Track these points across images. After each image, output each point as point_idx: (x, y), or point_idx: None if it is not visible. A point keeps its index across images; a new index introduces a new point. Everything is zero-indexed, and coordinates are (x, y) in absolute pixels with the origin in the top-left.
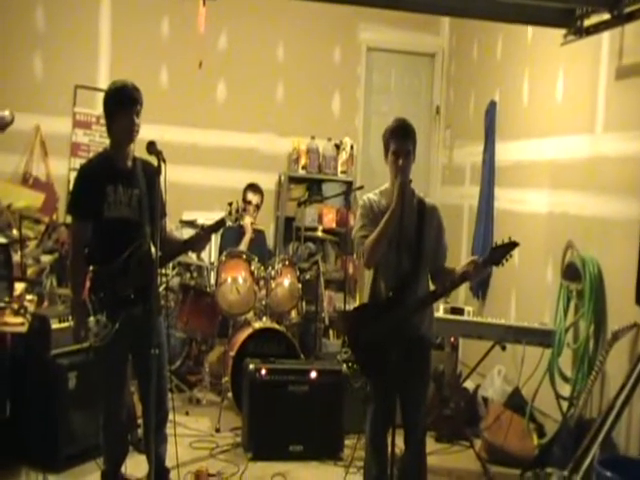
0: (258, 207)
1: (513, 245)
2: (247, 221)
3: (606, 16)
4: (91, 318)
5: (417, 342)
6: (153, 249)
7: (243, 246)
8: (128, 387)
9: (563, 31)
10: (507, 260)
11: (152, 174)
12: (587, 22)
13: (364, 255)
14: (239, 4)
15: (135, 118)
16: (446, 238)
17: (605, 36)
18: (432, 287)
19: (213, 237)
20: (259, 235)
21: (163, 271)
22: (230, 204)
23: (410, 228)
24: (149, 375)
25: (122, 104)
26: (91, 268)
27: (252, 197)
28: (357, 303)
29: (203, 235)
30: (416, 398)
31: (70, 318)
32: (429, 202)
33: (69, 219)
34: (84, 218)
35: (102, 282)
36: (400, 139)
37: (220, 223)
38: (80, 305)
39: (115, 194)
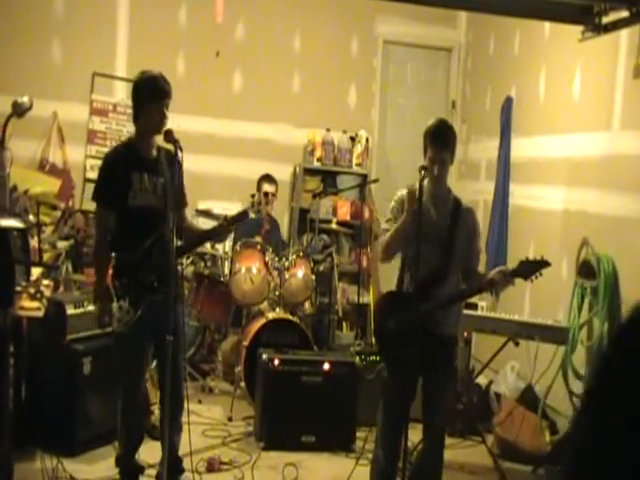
0: (274, 195)
1: (544, 264)
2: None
3: (625, 13)
4: (114, 304)
5: (439, 338)
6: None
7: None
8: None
9: (581, 27)
10: (537, 277)
11: (174, 164)
12: (605, 19)
13: (382, 248)
14: None
15: (165, 110)
16: (481, 242)
17: (623, 33)
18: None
19: None
20: (274, 225)
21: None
22: (253, 196)
23: (442, 226)
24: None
25: (154, 96)
26: (114, 254)
27: (268, 187)
28: (370, 296)
29: (225, 226)
30: (437, 394)
31: (87, 303)
32: (465, 204)
33: (86, 206)
34: (109, 205)
35: (125, 269)
36: (438, 147)
37: (243, 215)
38: (104, 290)
39: (141, 182)
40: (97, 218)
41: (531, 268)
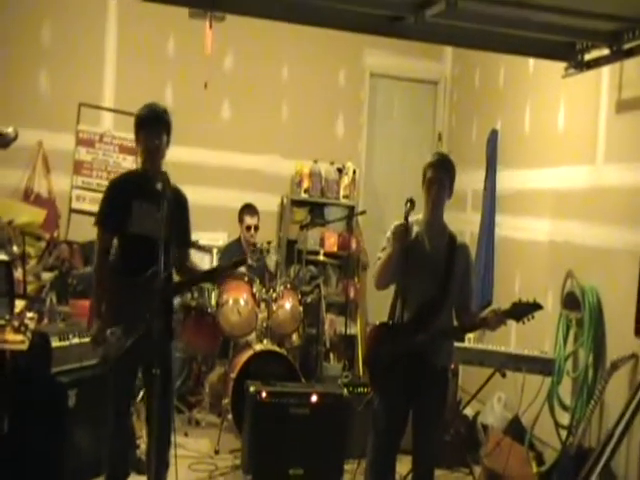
0: (257, 228)
1: (536, 307)
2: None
3: (606, 51)
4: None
5: (432, 368)
6: (174, 274)
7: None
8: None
9: (564, 64)
10: (528, 320)
11: (180, 202)
12: (587, 56)
13: (373, 277)
14: (245, 26)
15: (154, 139)
16: (474, 279)
17: (605, 70)
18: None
19: (213, 257)
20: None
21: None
22: (254, 245)
23: (437, 259)
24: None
25: (138, 124)
26: (112, 280)
27: (250, 220)
28: (358, 327)
29: (225, 269)
30: (428, 425)
31: (72, 335)
32: (460, 240)
33: (71, 236)
34: (109, 230)
35: (121, 296)
36: (435, 169)
37: (242, 261)
38: (101, 312)
39: (141, 210)
40: (98, 242)
41: (523, 310)
